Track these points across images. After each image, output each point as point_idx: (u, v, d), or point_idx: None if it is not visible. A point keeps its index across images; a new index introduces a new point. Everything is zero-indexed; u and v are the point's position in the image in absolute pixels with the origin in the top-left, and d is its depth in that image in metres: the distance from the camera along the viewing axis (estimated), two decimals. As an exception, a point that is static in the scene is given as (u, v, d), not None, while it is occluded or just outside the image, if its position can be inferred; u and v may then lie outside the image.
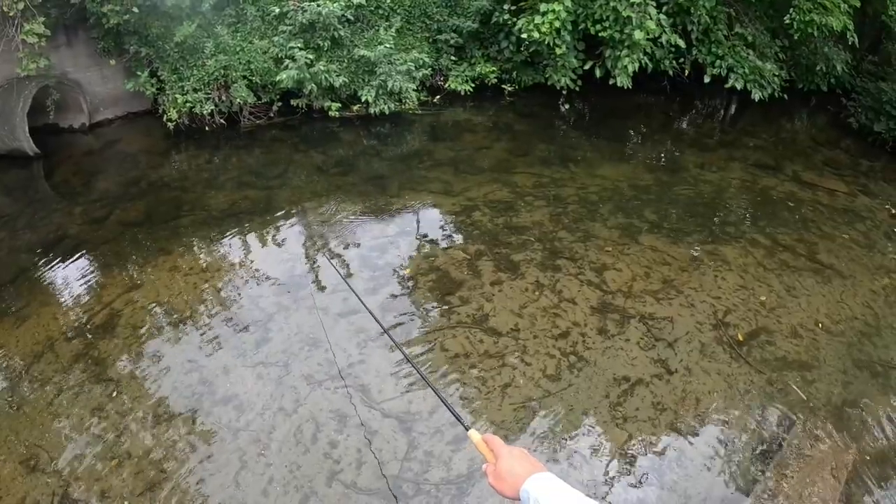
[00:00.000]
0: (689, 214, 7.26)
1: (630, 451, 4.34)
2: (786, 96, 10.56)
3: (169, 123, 9.61)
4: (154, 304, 5.93)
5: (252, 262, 6.47)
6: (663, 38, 9.61)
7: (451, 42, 10.77)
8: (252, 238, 6.91)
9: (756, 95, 10.14)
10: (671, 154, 9.23)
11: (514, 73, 10.91)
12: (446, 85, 10.70)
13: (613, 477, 4.16)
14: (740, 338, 5.38)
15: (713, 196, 7.79)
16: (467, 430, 1.93)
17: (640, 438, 4.43)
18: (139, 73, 9.61)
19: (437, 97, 10.69)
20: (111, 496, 4.20)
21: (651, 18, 9.23)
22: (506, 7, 10.23)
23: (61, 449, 4.54)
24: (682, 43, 9.81)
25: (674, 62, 10.54)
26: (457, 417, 2.04)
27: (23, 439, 4.65)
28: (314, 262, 6.39)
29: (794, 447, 4.39)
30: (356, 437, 4.47)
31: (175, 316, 5.76)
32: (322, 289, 5.99)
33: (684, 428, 4.52)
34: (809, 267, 6.40)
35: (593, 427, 4.49)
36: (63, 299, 6.15)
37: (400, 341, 5.32)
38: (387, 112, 9.75)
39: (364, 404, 4.72)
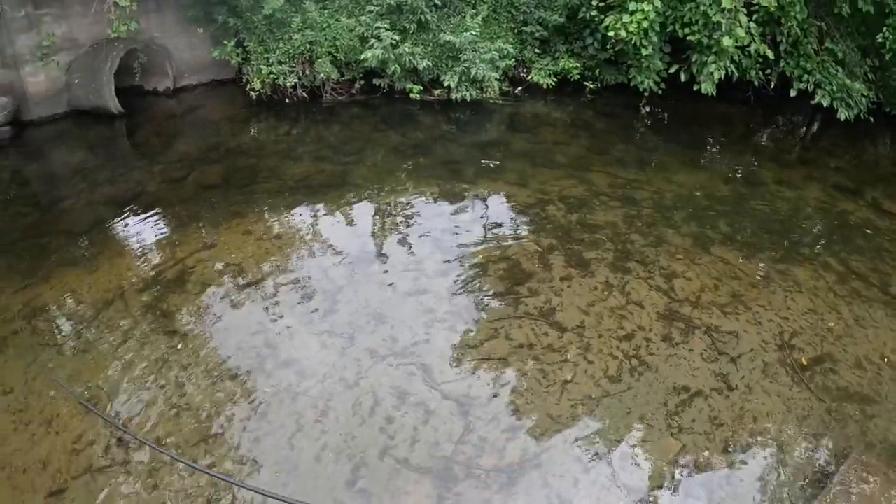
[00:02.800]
0: (764, 230, 7.16)
1: (681, 462, 4.34)
2: (872, 118, 10.25)
3: (252, 93, 9.87)
4: (225, 265, 6.14)
5: (324, 233, 6.64)
6: (751, 48, 9.42)
7: (536, 34, 10.77)
8: (326, 210, 7.09)
9: (842, 115, 9.88)
10: (749, 166, 9.08)
11: (597, 71, 10.86)
12: (528, 77, 10.71)
13: (661, 486, 4.18)
14: (804, 362, 5.30)
15: (789, 214, 7.66)
16: None
17: (692, 451, 4.42)
18: (226, 42, 9.90)
19: (519, 88, 10.73)
20: (166, 443, 4.37)
21: (741, 26, 9.06)
22: (594, 3, 10.13)
23: (121, 393, 4.75)
24: (770, 54, 9.61)
25: (760, 73, 10.33)
26: None
27: (85, 380, 4.88)
28: (386, 240, 6.53)
29: (845, 480, 4.33)
30: (413, 415, 4.57)
31: (245, 278, 5.96)
32: (392, 266, 6.12)
33: (738, 446, 4.49)
34: (881, 299, 6.23)
35: (648, 433, 4.51)
36: (136, 252, 6.41)
37: (466, 325, 5.43)
38: (468, 99, 9.83)
39: (425, 383, 4.83)
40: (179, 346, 5.19)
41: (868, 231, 7.48)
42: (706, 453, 4.42)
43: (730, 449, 4.47)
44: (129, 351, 5.13)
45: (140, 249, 6.47)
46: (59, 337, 5.37)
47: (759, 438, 4.58)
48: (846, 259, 6.76)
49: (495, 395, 4.73)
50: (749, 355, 5.29)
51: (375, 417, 4.56)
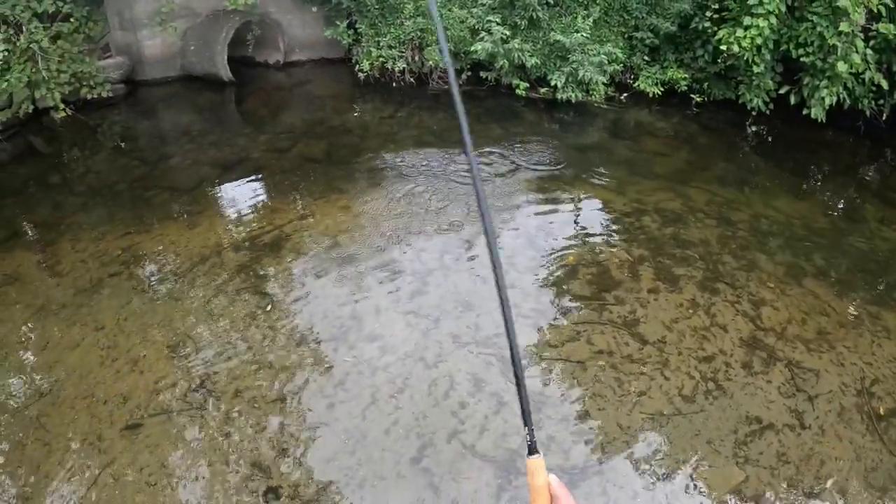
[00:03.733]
0: (860, 269, 7.01)
1: (742, 493, 4.36)
2: None
3: (360, 74, 10.18)
4: (321, 236, 6.43)
5: (420, 217, 6.85)
6: (866, 75, 9.15)
7: (647, 41, 10.69)
8: (423, 194, 7.30)
9: (956, 157, 9.51)
10: (852, 201, 8.84)
11: (705, 85, 10.69)
12: (635, 84, 10.66)
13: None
14: (881, 411, 5.19)
15: (889, 255, 7.44)
16: (531, 453, 1.28)
17: (755, 483, 4.44)
18: (338, 22, 10.25)
19: (624, 95, 10.69)
20: (243, 396, 4.65)
21: (857, 51, 8.81)
22: (708, 14, 9.99)
23: (208, 343, 5.07)
24: (884, 83, 9.29)
25: (872, 102, 9.99)
26: (529, 431, 1.32)
27: (174, 326, 5.23)
28: (479, 231, 6.68)
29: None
30: (486, 404, 4.74)
31: (338, 251, 6.23)
32: (483, 257, 6.25)
33: (802, 487, 4.47)
34: (976, 349, 6.07)
35: (713, 458, 4.55)
36: (236, 214, 6.77)
37: (549, 323, 5.56)
38: (572, 100, 9.87)
39: (502, 375, 4.99)
40: (268, 308, 5.50)
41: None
42: (768, 489, 4.43)
43: (793, 488, 4.47)
44: (219, 305, 5.48)
45: (239, 212, 6.83)
46: (153, 284, 5.78)
47: (823, 483, 4.55)
48: (943, 311, 6.57)
49: (569, 397, 4.86)
50: (827, 396, 5.24)
51: (449, 401, 4.75)
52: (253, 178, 7.51)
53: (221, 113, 9.67)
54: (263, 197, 7.23)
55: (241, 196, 7.16)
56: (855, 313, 6.27)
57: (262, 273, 5.92)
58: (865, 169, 10.19)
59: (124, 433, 4.41)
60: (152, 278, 5.88)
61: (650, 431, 4.67)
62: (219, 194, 7.22)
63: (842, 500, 4.47)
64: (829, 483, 4.55)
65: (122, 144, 8.52)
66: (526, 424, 1.29)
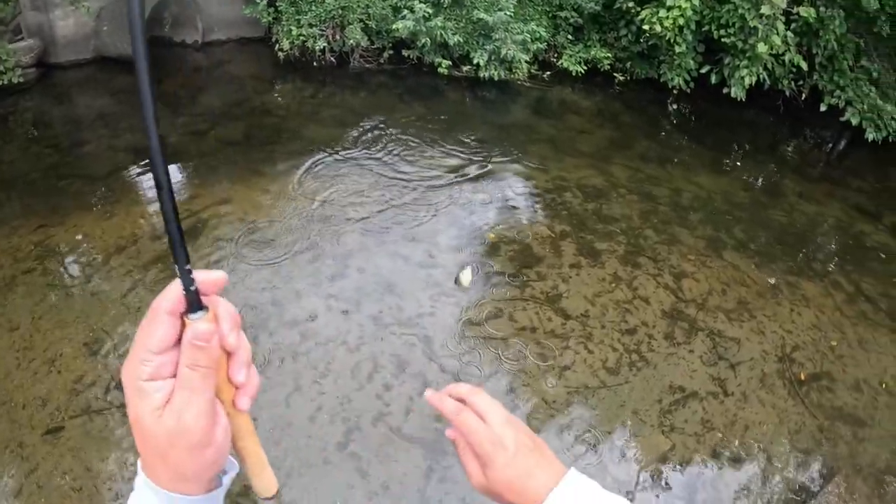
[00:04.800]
0: (778, 241, 7.13)
1: (669, 461, 4.38)
2: (901, 143, 10.14)
3: (280, 53, 9.84)
4: (240, 221, 6.17)
5: (340, 198, 6.65)
6: (786, 57, 9.33)
7: (571, 20, 10.66)
8: (344, 176, 7.09)
9: (870, 135, 9.76)
10: (771, 176, 9.02)
11: (628, 64, 10.75)
12: (558, 63, 10.61)
13: (644, 482, 4.22)
14: (802, 377, 5.29)
15: (806, 228, 7.62)
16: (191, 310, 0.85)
17: (681, 450, 4.46)
18: (258, 0, 9.85)
19: (548, 73, 10.64)
20: None
21: (778, 33, 8.97)
22: (632, -5, 10.03)
23: (126, 339, 4.80)
24: (804, 65, 9.51)
25: (792, 83, 10.22)
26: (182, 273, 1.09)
27: (91, 323, 4.93)
28: (401, 211, 6.53)
29: (828, 500, 4.36)
30: (411, 385, 4.62)
31: (258, 235, 5.99)
32: (405, 237, 6.13)
33: (727, 452, 4.51)
34: (888, 324, 6.18)
35: (639, 428, 4.54)
36: (153, 201, 6.44)
37: (472, 302, 5.44)
38: (495, 78, 9.75)
39: (425, 355, 4.87)
40: None
41: (883, 256, 7.42)
42: (694, 455, 4.46)
43: (718, 454, 4.50)
44: (136, 298, 5.18)
45: (156, 199, 6.48)
46: (68, 279, 5.43)
47: (749, 447, 4.60)
48: (857, 280, 6.72)
49: (493, 375, 4.76)
50: (748, 363, 5.30)
51: (373, 384, 4.61)
52: (171, 163, 7.14)
53: (137, 96, 9.21)
54: (181, 182, 6.90)
55: None
56: (774, 283, 6.36)
57: None
58: (785, 146, 10.44)
59: (46, 438, 4.12)
60: (68, 273, 5.52)
61: (576, 405, 4.62)
62: (135, 181, 6.85)
63: (767, 463, 4.52)
64: (755, 447, 4.59)
65: (35, 132, 8.01)
66: (177, 262, 0.79)
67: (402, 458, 4.13)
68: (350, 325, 5.08)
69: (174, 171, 7.02)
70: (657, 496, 4.15)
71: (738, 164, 9.38)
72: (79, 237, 5.86)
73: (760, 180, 8.81)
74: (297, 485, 3.92)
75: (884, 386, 5.46)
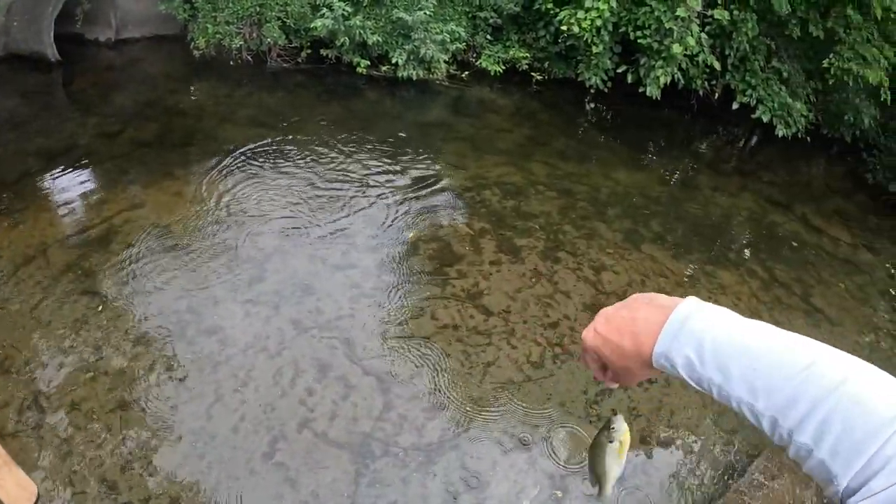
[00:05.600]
0: (694, 233, 7.28)
1: None
2: (809, 139, 10.52)
3: (195, 52, 9.58)
4: (153, 226, 5.92)
5: (256, 200, 6.46)
6: (700, 57, 9.58)
7: (490, 21, 10.68)
8: (260, 177, 6.89)
9: (780, 132, 10.11)
10: (687, 171, 9.24)
11: (546, 63, 10.85)
12: (477, 62, 10.63)
13: (574, 473, 4.20)
14: (723, 361, 5.39)
15: (721, 220, 7.81)
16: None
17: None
18: (173, -4, 9.56)
19: (466, 73, 10.64)
20: (81, 408, 4.20)
21: (692, 35, 9.19)
22: (551, -4, 10.12)
23: (38, 354, 4.54)
24: (717, 65, 9.78)
25: (705, 83, 10.50)
26: None
27: (0, 340, 4.64)
28: (317, 212, 6.37)
29: (755, 476, 4.44)
30: (334, 389, 4.49)
31: (172, 240, 5.76)
32: (322, 238, 5.98)
33: (654, 438, 4.55)
34: (801, 307, 6.41)
35: (566, 419, 4.52)
36: (63, 208, 6.13)
37: (392, 302, 5.34)
38: (414, 78, 9.70)
39: (347, 357, 4.74)
40: (100, 308, 4.98)
41: (795, 244, 7.68)
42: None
43: (646, 440, 4.53)
44: (47, 310, 4.89)
45: (67, 205, 6.19)
46: None
47: (676, 431, 4.66)
48: (771, 267, 6.93)
49: (417, 374, 4.67)
50: (670, 352, 5.34)
51: (296, 389, 4.46)
52: (81, 166, 6.79)
53: (48, 96, 8.77)
54: (92, 187, 6.56)
55: (68, 187, 6.45)
56: (692, 273, 6.49)
57: (91, 270, 5.33)
58: (699, 143, 10.72)
59: None
60: None
61: (502, 400, 4.56)
62: (44, 186, 6.48)
63: (694, 445, 4.60)
64: (682, 431, 4.64)
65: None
66: None
67: (331, 464, 4.01)
68: (270, 330, 4.91)
69: (85, 174, 6.69)
70: (586, 482, 4.13)
71: (655, 160, 9.57)
72: (-17, 248, 5.51)
73: (676, 175, 9.00)
74: (224, 498, 3.76)
75: (800, 366, 5.60)
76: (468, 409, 4.46)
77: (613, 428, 1.32)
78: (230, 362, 4.61)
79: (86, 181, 6.61)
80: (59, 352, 4.57)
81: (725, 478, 4.43)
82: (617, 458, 1.33)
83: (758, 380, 0.90)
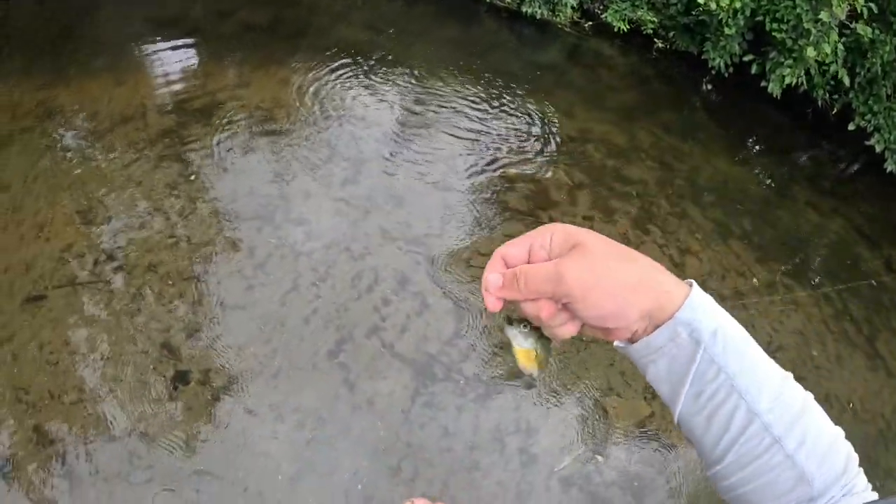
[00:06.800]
0: (780, 241, 7.13)
1: (646, 427, 4.42)
2: (918, 182, 10.12)
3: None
4: (256, 108, 5.95)
5: (363, 104, 6.45)
6: (831, 68, 9.20)
7: (622, -26, 10.34)
8: (368, 83, 6.86)
9: (889, 166, 9.68)
10: (784, 178, 8.97)
11: (671, 34, 10.48)
12: (602, 15, 10.32)
13: (623, 444, 4.26)
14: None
15: (808, 236, 7.63)
16: None
17: (658, 421, 4.47)
18: None
19: (589, 24, 10.37)
20: (157, 271, 4.31)
21: (828, 42, 8.81)
22: (692, -37, 9.72)
23: (123, 212, 4.64)
24: (846, 80, 9.39)
25: (827, 95, 10.11)
26: None
27: (87, 191, 4.73)
28: (422, 128, 6.36)
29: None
30: (410, 304, 4.55)
31: (273, 125, 5.79)
32: (422, 154, 5.98)
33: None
34: (865, 349, 6.25)
35: (625, 391, 4.55)
36: (166, 75, 6.18)
37: (481, 232, 5.34)
38: (537, 17, 9.46)
39: (428, 276, 4.78)
40: (192, 178, 5.06)
41: (874, 283, 7.46)
42: (667, 430, 4.47)
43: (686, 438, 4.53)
44: (139, 170, 4.99)
45: (170, 74, 6.23)
46: (68, 143, 5.20)
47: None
48: (846, 300, 6.75)
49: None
50: (734, 353, 5.30)
51: (372, 295, 4.53)
52: (190, 39, 6.81)
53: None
54: (198, 60, 6.60)
55: (173, 57, 6.49)
56: (770, 281, 6.38)
57: (188, 139, 5.41)
58: (801, 153, 10.36)
59: (25, 306, 4.00)
60: (67, 137, 5.28)
61: (569, 353, 4.60)
62: (150, 52, 6.52)
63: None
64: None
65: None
66: None
67: (392, 377, 4.10)
68: (356, 233, 4.97)
69: (192, 47, 6.70)
70: (631, 459, 4.19)
71: (755, 157, 9.31)
72: (83, 102, 5.62)
73: (773, 178, 8.76)
74: (283, 387, 3.88)
75: (850, 405, 5.55)
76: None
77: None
78: (312, 256, 4.69)
79: (192, 54, 6.64)
80: (144, 213, 4.66)
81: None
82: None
83: (762, 381, 0.90)
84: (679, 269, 5.83)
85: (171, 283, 4.27)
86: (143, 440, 3.68)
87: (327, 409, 3.87)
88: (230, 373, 3.90)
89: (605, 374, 4.59)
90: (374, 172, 5.61)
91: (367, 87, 6.74)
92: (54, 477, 3.49)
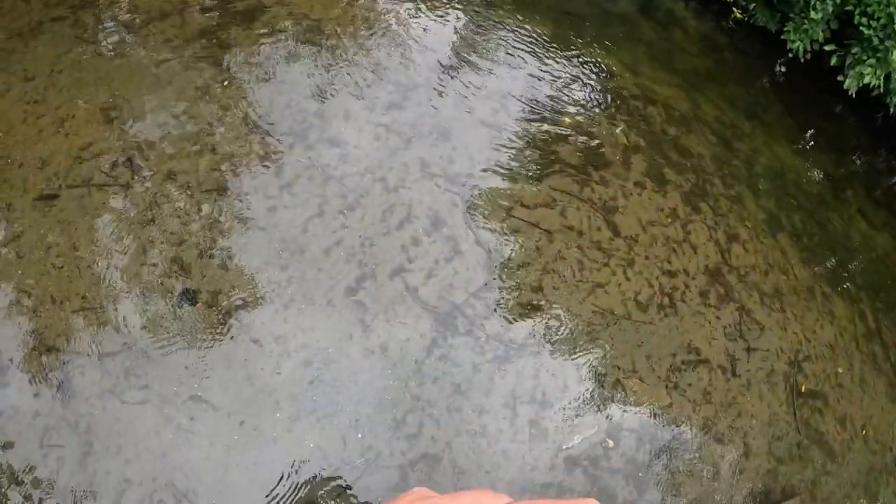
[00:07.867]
0: (829, 247, 6.80)
1: (662, 416, 4.23)
2: (974, 206, 9.73)
3: None
4: (304, 17, 5.50)
5: (417, 27, 5.96)
6: (914, 74, 8.70)
7: (713, -70, 9.71)
8: (427, 7, 6.35)
9: (948, 189, 9.33)
10: (840, 180, 8.55)
11: (752, 6, 9.90)
12: (683, -30, 9.76)
13: (632, 427, 4.06)
14: (803, 389, 5.10)
15: (856, 246, 7.28)
16: None
17: (677, 411, 4.29)
18: None
19: (668, -24, 9.80)
20: (177, 180, 4.06)
21: (918, 48, 8.29)
22: (789, -64, 9.10)
23: (148, 112, 4.34)
24: (926, 91, 8.90)
25: (902, 102, 9.60)
26: None
27: (113, 88, 4.43)
28: (481, 63, 5.91)
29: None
30: (440, 248, 4.27)
31: (320, 37, 5.37)
32: (477, 90, 5.57)
33: (714, 430, 4.37)
34: (890, 376, 5.96)
35: (647, 374, 4.34)
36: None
37: (528, 180, 5.01)
38: (613, -39, 8.92)
39: (464, 220, 4.48)
40: (225, 83, 4.72)
41: (916, 308, 7.19)
42: (685, 421, 4.30)
43: (707, 428, 4.36)
44: (170, 70, 4.65)
45: None
46: (99, 35, 4.85)
47: (734, 435, 4.45)
48: (882, 321, 6.45)
49: (526, 266, 4.42)
50: (763, 353, 5.06)
51: (402, 233, 4.25)
52: None
53: None
54: None
55: None
56: (811, 286, 6.08)
57: (227, 42, 5.01)
58: (862, 157, 9.92)
59: (37, 204, 3.78)
60: (100, 28, 4.92)
61: (597, 326, 4.35)
62: None
63: (744, 457, 4.40)
64: (739, 437, 4.46)
65: None
66: None
67: (410, 323, 3.88)
68: (394, 163, 4.64)
69: None
70: (641, 445, 4.01)
71: (815, 153, 8.87)
72: (121, -7, 5.22)
73: (830, 178, 8.35)
74: (294, 319, 3.67)
75: (864, 431, 5.33)
76: (562, 321, 4.28)
77: None
78: (343, 181, 4.38)
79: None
80: (170, 115, 4.38)
81: (750, 500, 4.27)
82: None
83: None
84: (725, 256, 5.54)
85: (189, 193, 4.03)
86: (142, 358, 3.53)
87: (337, 350, 3.66)
88: (240, 297, 3.72)
89: (631, 354, 4.36)
90: (422, 100, 5.23)
91: (426, 13, 6.29)
92: (46, 387, 3.38)
